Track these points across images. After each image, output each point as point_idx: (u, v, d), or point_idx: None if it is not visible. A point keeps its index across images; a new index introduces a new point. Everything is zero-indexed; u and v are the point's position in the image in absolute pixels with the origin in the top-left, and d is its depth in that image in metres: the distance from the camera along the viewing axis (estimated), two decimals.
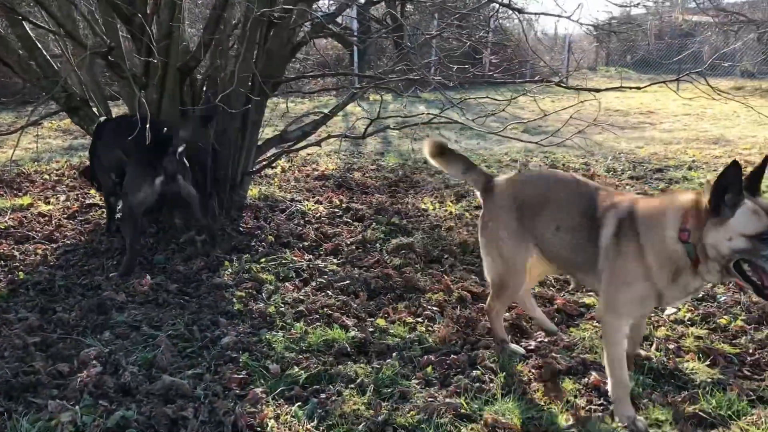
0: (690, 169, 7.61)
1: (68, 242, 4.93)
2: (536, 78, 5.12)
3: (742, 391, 2.97)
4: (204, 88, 5.38)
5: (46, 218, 5.49)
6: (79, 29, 4.98)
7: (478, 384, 3.03)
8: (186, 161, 4.55)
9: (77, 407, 2.72)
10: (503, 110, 5.14)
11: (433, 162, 3.57)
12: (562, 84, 5.04)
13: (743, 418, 2.77)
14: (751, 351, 3.36)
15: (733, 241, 2.45)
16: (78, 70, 5.22)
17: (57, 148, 9.19)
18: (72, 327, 3.53)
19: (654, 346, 3.40)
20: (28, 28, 4.89)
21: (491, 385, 3.03)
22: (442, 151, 3.51)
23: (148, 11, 4.69)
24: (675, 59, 15.95)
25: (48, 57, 5.07)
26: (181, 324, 3.55)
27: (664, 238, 2.63)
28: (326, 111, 6.09)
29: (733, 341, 3.47)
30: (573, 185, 3.12)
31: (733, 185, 2.44)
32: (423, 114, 5.68)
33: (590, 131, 9.42)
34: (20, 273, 4.29)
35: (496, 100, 5.30)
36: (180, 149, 4.41)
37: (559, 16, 7.06)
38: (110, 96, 6.11)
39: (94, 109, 5.32)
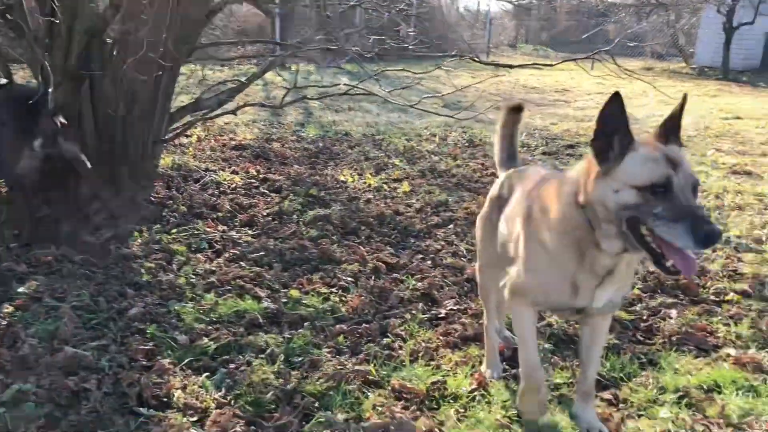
0: None
1: None
2: (453, 53, 5.17)
3: (635, 354, 3.16)
4: (114, 53, 5.15)
5: None
6: None
7: (387, 351, 3.09)
8: (65, 122, 4.38)
9: None
10: (419, 83, 5.19)
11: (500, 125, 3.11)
12: (476, 59, 5.13)
13: (633, 379, 2.95)
14: (644, 317, 3.57)
15: (620, 193, 2.04)
16: None
17: None
18: None
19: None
20: None
21: (400, 352, 3.10)
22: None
23: None
24: (585, 36, 16.44)
25: None
26: (86, 295, 3.44)
27: (561, 207, 2.25)
28: (244, 79, 5.96)
29: (629, 308, 3.67)
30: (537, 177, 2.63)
31: (618, 126, 2.06)
32: (341, 85, 5.65)
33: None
34: None
35: (413, 73, 5.34)
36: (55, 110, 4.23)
37: None
38: (14, 59, 5.75)
39: None
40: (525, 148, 7.66)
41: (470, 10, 24.79)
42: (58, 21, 4.15)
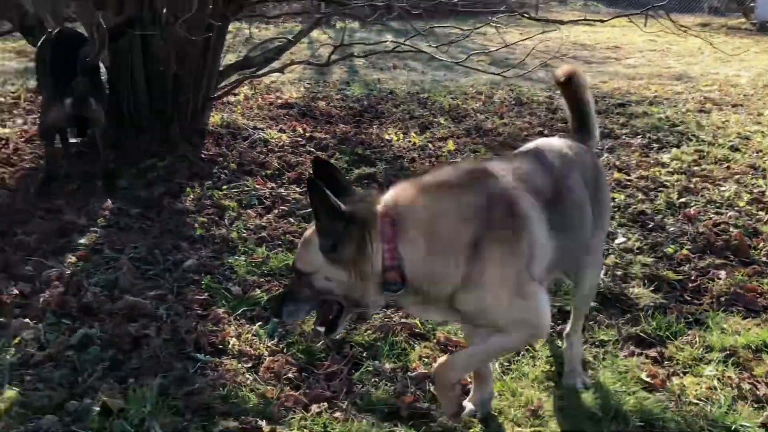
0: (651, 104, 7.73)
1: (26, 166, 4.86)
2: (502, 9, 5.09)
3: (681, 314, 3.16)
4: (164, 10, 5.23)
5: (3, 141, 5.37)
6: None
7: None
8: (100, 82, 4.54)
9: (40, 325, 2.77)
10: (467, 39, 5.12)
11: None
12: (526, 15, 5.04)
13: (679, 338, 2.95)
14: (693, 278, 3.54)
15: None
16: None
17: (12, 71, 8.88)
18: (33, 249, 3.53)
19: (603, 272, 3.56)
20: None
21: None
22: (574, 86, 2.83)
23: None
24: None
25: None
26: (143, 247, 3.58)
27: None
28: (290, 37, 5.99)
29: (678, 268, 3.64)
30: None
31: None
32: (388, 41, 5.63)
33: (555, 65, 9.45)
34: None
35: (461, 29, 5.28)
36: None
37: None
38: (68, 17, 5.90)
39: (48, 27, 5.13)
40: None
41: None
42: None
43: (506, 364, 2.74)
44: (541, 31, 4.89)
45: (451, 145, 5.82)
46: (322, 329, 2.16)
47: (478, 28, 5.33)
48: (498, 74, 5.70)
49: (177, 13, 4.89)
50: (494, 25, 5.49)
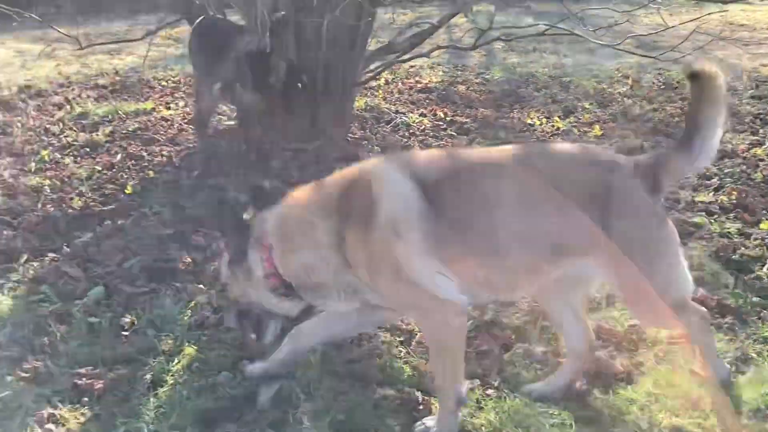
0: None
1: (190, 145, 5.27)
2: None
3: None
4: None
5: (168, 122, 5.85)
6: None
7: None
8: (249, 69, 4.71)
9: (212, 291, 3.02)
10: (617, 23, 4.95)
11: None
12: None
13: None
14: None
15: None
16: None
17: (170, 56, 9.58)
18: (201, 222, 3.84)
19: (766, 266, 3.35)
20: None
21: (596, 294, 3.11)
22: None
23: None
24: None
25: None
26: None
27: None
28: (431, 21, 6.03)
29: None
30: None
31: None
32: (536, 25, 5.55)
33: (710, 47, 8.87)
34: (149, 172, 4.65)
35: (616, 11, 5.09)
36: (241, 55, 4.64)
37: None
38: (226, 4, 6.28)
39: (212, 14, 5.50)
40: (731, 92, 7.04)
41: None
42: None
43: (660, 355, 2.67)
44: (701, 14, 4.59)
45: (597, 130, 5.65)
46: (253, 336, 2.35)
47: (634, 10, 5.09)
48: (651, 57, 5.44)
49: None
50: (654, 6, 5.22)
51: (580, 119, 6.07)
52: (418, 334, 2.75)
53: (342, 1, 4.44)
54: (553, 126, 5.86)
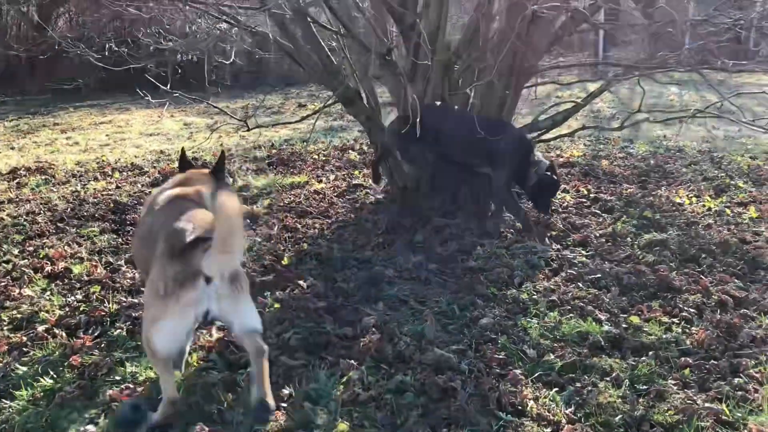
0: None
1: (340, 218, 5.60)
2: None
3: None
4: (459, 81, 5.70)
5: (320, 195, 6.25)
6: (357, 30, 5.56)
7: (741, 392, 2.98)
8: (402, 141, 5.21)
9: (363, 367, 3.19)
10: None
11: None
12: None
13: None
14: None
15: None
16: (353, 65, 5.82)
17: (319, 129, 10.22)
18: (350, 295, 4.06)
19: None
20: (314, 29, 5.56)
21: (756, 395, 2.96)
22: None
23: (418, 10, 5.09)
24: None
25: (329, 53, 5.73)
26: (443, 302, 3.91)
27: None
28: (568, 95, 6.08)
29: None
30: None
31: None
32: (689, 109, 5.44)
33: None
34: (304, 244, 4.99)
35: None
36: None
37: None
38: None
39: (365, 100, 5.89)
40: None
41: None
42: (427, 63, 4.73)
43: None
44: None
45: (753, 211, 5.39)
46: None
47: None
48: None
49: (474, 81, 5.33)
50: None
51: (734, 199, 5.82)
52: (567, 426, 2.75)
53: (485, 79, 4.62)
54: (703, 205, 5.66)
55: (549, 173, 5.10)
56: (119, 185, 6.86)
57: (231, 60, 4.43)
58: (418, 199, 5.57)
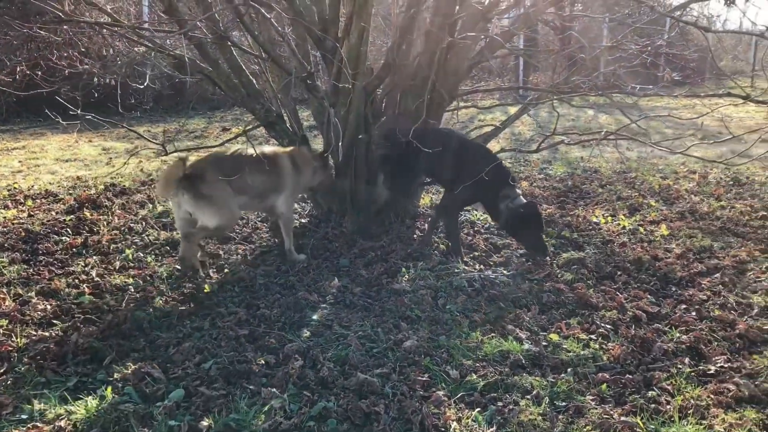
0: None
1: (263, 244, 5.51)
2: (720, 92, 4.93)
3: None
4: (383, 105, 5.76)
5: (243, 221, 6.14)
6: (278, 53, 5.54)
7: (654, 405, 3.08)
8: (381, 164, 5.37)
9: (285, 395, 3.12)
10: (670, 113, 5.00)
11: None
12: (750, 99, 4.82)
13: None
14: None
15: None
16: (274, 88, 5.79)
17: None
18: (273, 322, 3.98)
19: None
20: (235, 53, 5.51)
21: (668, 407, 3.06)
22: None
23: (339, 35, 5.12)
24: None
25: (251, 77, 5.68)
26: (368, 326, 3.89)
27: None
28: (489, 118, 6.25)
29: None
30: None
31: None
32: (601, 132, 5.66)
33: None
34: (226, 270, 4.88)
35: (678, 118, 5.17)
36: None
37: (749, 33, 6.60)
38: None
39: (287, 123, 5.86)
40: None
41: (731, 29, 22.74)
42: (348, 86, 4.76)
43: None
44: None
45: (664, 229, 5.64)
46: None
47: (698, 117, 5.14)
48: (714, 161, 5.44)
49: (395, 107, 5.39)
50: (706, 104, 5.27)
51: (646, 217, 6.07)
52: None
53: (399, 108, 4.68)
54: (618, 224, 5.87)
55: (522, 209, 4.92)
56: (32, 213, 6.53)
57: (145, 83, 4.31)
58: (341, 223, 5.56)
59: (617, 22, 8.07)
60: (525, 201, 5.02)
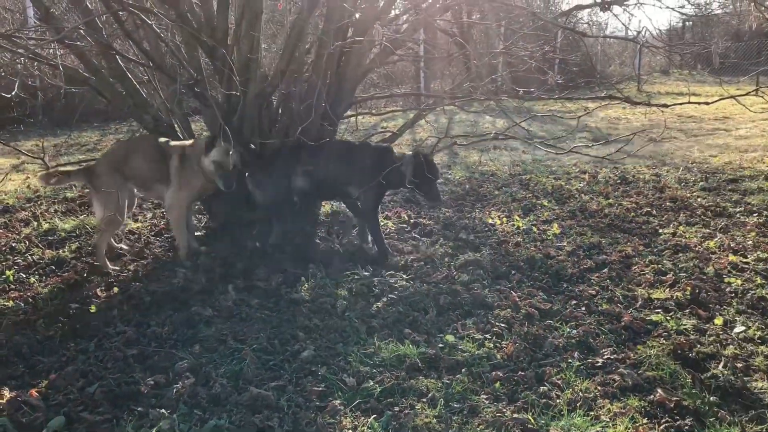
0: (767, 179, 7.43)
1: (157, 259, 5.30)
2: (603, 95, 5.17)
3: None
4: (279, 111, 5.68)
5: (136, 236, 5.90)
6: (165, 61, 5.34)
7: (545, 400, 3.16)
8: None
9: (174, 416, 3.00)
10: (560, 117, 5.21)
11: None
12: (630, 100, 5.08)
13: None
14: None
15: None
16: (163, 98, 5.59)
17: None
18: (165, 340, 3.83)
19: (722, 364, 3.43)
20: (120, 61, 5.28)
21: (558, 401, 3.15)
22: None
23: (228, 43, 5.00)
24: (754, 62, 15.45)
25: (137, 85, 5.46)
26: (264, 338, 3.80)
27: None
28: (392, 125, 6.30)
29: None
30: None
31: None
32: (491, 134, 5.81)
33: (660, 139, 9.30)
34: (115, 288, 4.66)
35: (561, 118, 5.38)
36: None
37: (624, 38, 6.98)
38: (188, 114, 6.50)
39: (179, 133, 5.67)
40: (683, 184, 7.36)
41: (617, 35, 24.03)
42: (237, 93, 4.66)
43: None
44: (647, 114, 4.88)
45: (556, 228, 5.84)
46: None
47: (581, 115, 5.36)
48: (602, 158, 5.70)
49: (291, 117, 5.33)
50: (593, 104, 5.53)
51: (540, 217, 6.26)
52: None
53: (305, 121, 4.64)
54: (513, 225, 6.03)
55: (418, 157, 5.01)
56: None
57: (12, 93, 4.05)
58: (238, 235, 5.43)
59: (510, 30, 8.34)
60: (412, 153, 5.13)
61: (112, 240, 5.32)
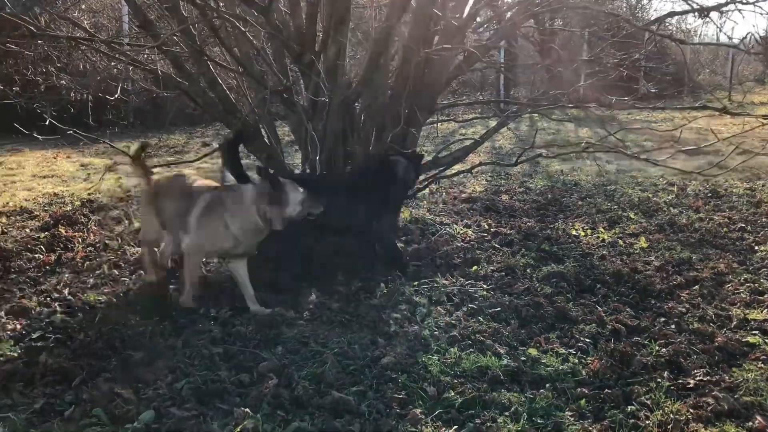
0: None
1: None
2: (697, 105, 4.96)
3: None
4: (362, 118, 5.72)
5: None
6: (254, 67, 5.48)
7: (632, 420, 3.05)
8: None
9: (258, 415, 3.05)
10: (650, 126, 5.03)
11: None
12: (727, 111, 4.86)
13: None
14: None
15: None
16: (252, 103, 5.73)
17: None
18: (248, 340, 3.91)
19: None
20: (211, 67, 5.45)
21: (647, 422, 3.03)
22: None
23: (316, 49, 5.08)
24: None
25: (227, 91, 5.62)
26: (344, 342, 3.83)
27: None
28: (472, 132, 6.24)
29: None
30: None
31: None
32: (580, 144, 5.67)
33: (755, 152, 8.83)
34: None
35: (655, 131, 5.21)
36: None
37: (724, 45, 6.69)
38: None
39: (265, 139, 5.79)
40: None
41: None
42: (324, 99, 4.72)
43: None
44: (742, 126, 4.67)
45: (643, 241, 5.64)
46: None
47: (676, 128, 5.16)
48: (690, 172, 5.47)
49: (374, 121, 5.36)
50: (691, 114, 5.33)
51: (625, 230, 6.07)
52: None
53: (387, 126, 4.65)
54: (598, 237, 5.87)
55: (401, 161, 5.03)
56: (5, 231, 6.40)
57: (115, 96, 4.25)
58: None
59: (596, 37, 8.14)
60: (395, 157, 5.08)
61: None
